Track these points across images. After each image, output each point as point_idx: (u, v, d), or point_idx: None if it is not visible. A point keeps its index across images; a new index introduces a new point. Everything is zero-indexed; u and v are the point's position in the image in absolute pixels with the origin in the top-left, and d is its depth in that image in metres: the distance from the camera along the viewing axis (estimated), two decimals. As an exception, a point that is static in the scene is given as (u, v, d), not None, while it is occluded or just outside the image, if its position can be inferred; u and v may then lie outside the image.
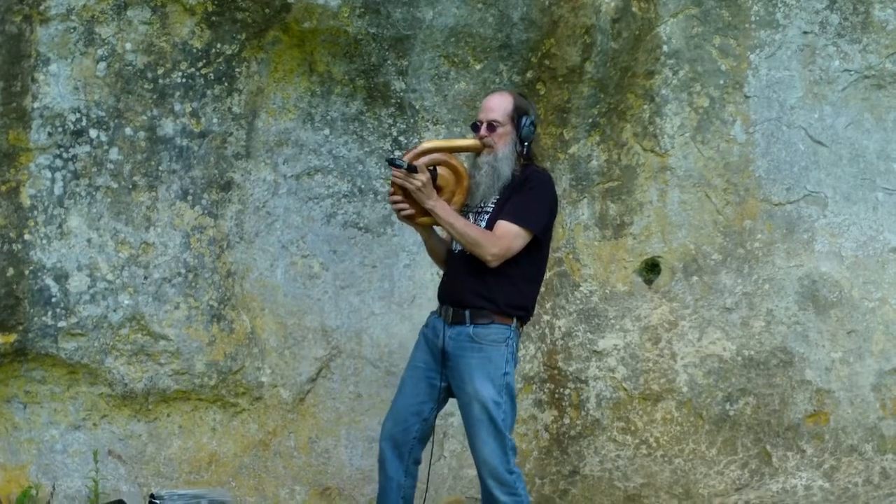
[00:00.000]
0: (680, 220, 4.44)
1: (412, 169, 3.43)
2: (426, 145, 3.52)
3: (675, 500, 4.38)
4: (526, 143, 3.55)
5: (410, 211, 3.52)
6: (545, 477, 4.42)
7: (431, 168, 3.48)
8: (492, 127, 3.55)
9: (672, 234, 4.43)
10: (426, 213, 3.51)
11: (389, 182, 3.53)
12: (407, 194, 3.49)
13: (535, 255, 3.56)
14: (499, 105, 3.56)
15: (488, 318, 3.51)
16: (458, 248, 3.58)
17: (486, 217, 3.54)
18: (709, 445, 4.41)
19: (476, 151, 3.57)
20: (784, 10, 4.40)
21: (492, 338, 3.51)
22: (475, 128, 3.59)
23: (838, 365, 4.41)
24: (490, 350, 3.50)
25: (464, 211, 3.58)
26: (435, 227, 3.62)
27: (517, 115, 3.55)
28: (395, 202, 3.52)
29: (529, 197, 3.50)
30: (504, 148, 3.54)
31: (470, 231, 3.49)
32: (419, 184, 3.44)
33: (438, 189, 3.50)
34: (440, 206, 3.48)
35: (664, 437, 4.41)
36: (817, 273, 4.41)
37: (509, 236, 3.47)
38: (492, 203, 3.54)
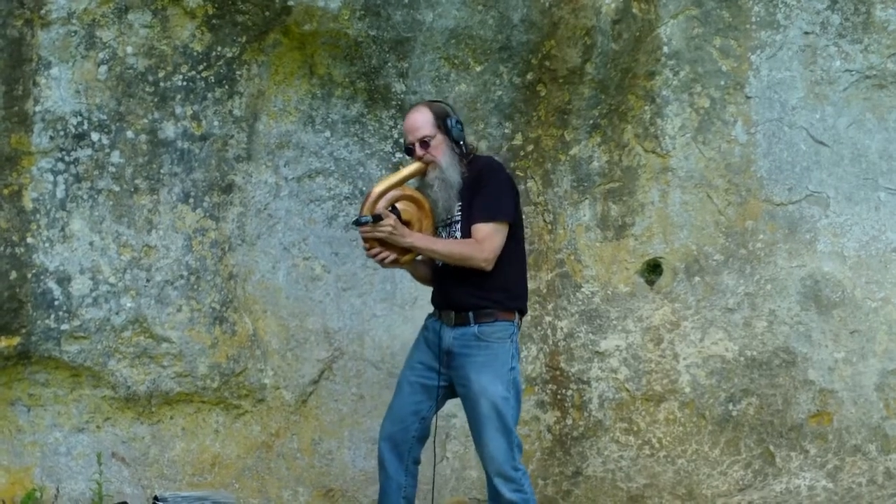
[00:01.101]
0: (681, 220, 4.43)
1: (377, 218, 3.47)
2: (377, 189, 3.54)
3: (679, 500, 4.38)
4: (461, 143, 3.60)
5: (393, 255, 3.56)
6: (548, 478, 4.42)
7: (392, 208, 3.52)
8: (425, 143, 3.59)
9: (674, 235, 4.43)
10: (406, 251, 3.56)
11: (363, 241, 3.55)
12: (383, 242, 3.53)
13: (514, 240, 3.60)
14: (420, 120, 3.60)
15: (492, 317, 3.55)
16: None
17: (458, 226, 3.59)
18: (712, 446, 4.41)
19: (422, 173, 3.61)
20: (785, 10, 4.39)
21: (497, 335, 3.54)
22: (410, 152, 3.63)
23: (841, 365, 4.40)
24: (496, 347, 3.54)
25: (435, 230, 3.62)
26: (417, 258, 3.65)
27: (441, 121, 3.60)
28: (375, 255, 3.56)
29: (489, 191, 3.53)
30: (444, 157, 3.58)
31: (455, 248, 3.53)
32: (389, 229, 3.48)
33: (407, 223, 3.55)
34: (417, 238, 3.54)
35: (667, 437, 4.41)
36: (820, 273, 4.41)
37: (490, 236, 3.51)
38: (457, 211, 3.59)
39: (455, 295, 3.58)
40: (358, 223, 3.49)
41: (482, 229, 3.51)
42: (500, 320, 3.55)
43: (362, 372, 4.35)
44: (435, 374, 3.60)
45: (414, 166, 3.62)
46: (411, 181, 3.63)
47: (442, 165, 3.57)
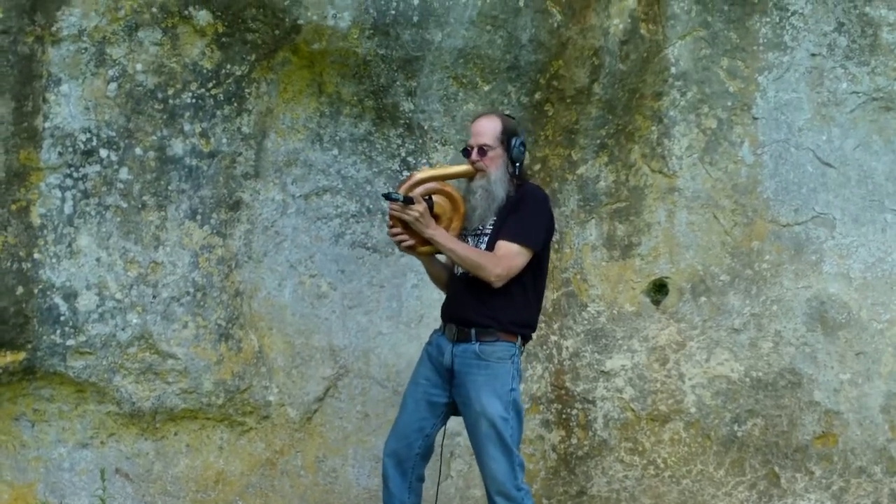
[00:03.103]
0: (688, 240, 4.44)
1: (408, 200, 3.48)
2: (419, 175, 3.55)
3: (683, 521, 4.38)
4: (517, 164, 3.59)
5: (411, 242, 3.56)
6: (552, 497, 4.41)
7: (427, 197, 3.53)
8: (483, 151, 3.58)
9: (680, 255, 4.44)
10: (426, 242, 3.56)
11: (388, 216, 3.56)
12: (406, 225, 3.53)
13: (535, 272, 3.60)
14: (488, 128, 3.60)
15: (493, 336, 3.54)
16: (460, 270, 3.61)
17: (486, 239, 3.58)
18: (717, 466, 4.40)
19: (469, 177, 3.61)
20: (792, 32, 4.41)
21: (497, 355, 3.53)
22: (466, 153, 3.63)
23: (847, 386, 4.39)
24: (496, 367, 3.53)
25: (462, 235, 3.61)
26: (436, 254, 3.64)
27: (506, 137, 3.59)
28: (395, 234, 3.57)
29: (526, 215, 3.53)
30: (496, 171, 3.57)
31: (471, 255, 3.52)
32: (416, 214, 3.48)
33: (436, 217, 3.55)
34: (440, 234, 3.53)
35: (672, 457, 4.40)
36: (826, 294, 4.41)
37: (510, 255, 3.50)
38: (490, 225, 3.58)
39: (462, 309, 3.58)
40: (388, 197, 3.48)
41: (505, 247, 3.51)
42: (502, 340, 3.55)
43: (367, 390, 4.35)
44: (439, 391, 3.60)
45: (463, 167, 3.62)
46: (456, 182, 3.62)
47: (491, 177, 3.56)
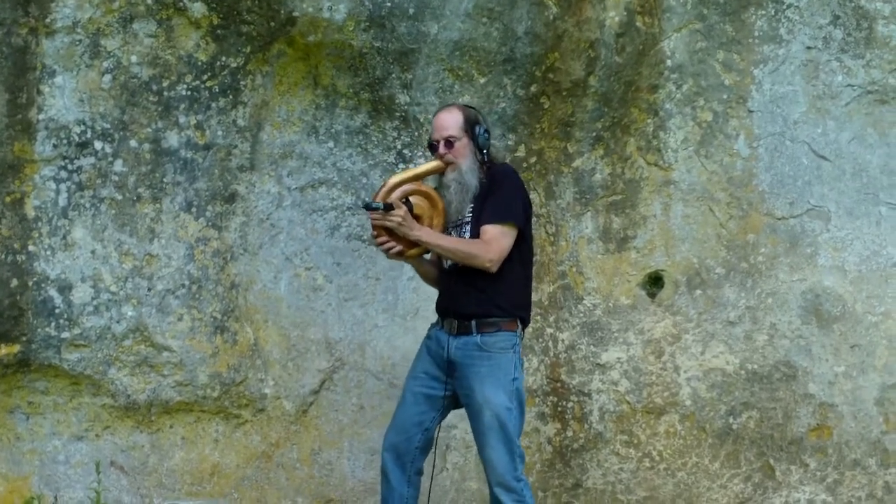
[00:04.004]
0: (683, 233, 4.44)
1: (388, 207, 3.49)
2: (393, 180, 3.57)
3: (678, 513, 4.39)
4: (485, 151, 3.61)
5: (399, 247, 3.58)
6: (548, 490, 4.42)
7: (405, 200, 3.55)
8: (450, 143, 3.61)
9: (675, 248, 4.44)
10: (412, 244, 3.58)
11: (371, 227, 3.58)
12: (390, 232, 3.55)
13: (522, 248, 3.62)
14: (451, 121, 3.62)
15: (495, 326, 3.56)
16: (450, 263, 3.62)
17: (468, 227, 3.60)
18: (712, 459, 4.41)
19: (440, 172, 3.63)
20: (787, 25, 4.41)
21: (500, 345, 3.55)
22: (433, 148, 3.66)
23: (841, 379, 4.40)
24: (499, 357, 3.54)
25: (444, 229, 3.62)
26: (424, 254, 3.66)
27: (470, 126, 3.62)
28: (382, 243, 3.57)
29: (501, 194, 3.56)
30: (466, 161, 3.60)
31: (461, 246, 3.55)
32: (399, 219, 3.50)
33: (417, 218, 3.58)
34: (425, 233, 3.55)
35: (667, 450, 4.41)
36: (820, 287, 4.41)
37: (498, 237, 3.53)
38: (468, 213, 3.60)
39: (459, 303, 3.58)
40: (368, 207, 3.51)
41: (490, 230, 3.53)
42: (503, 330, 3.56)
43: (363, 382, 4.35)
44: (438, 385, 3.61)
45: (433, 164, 3.64)
46: (429, 179, 3.65)
47: (462, 168, 3.59)
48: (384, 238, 3.57)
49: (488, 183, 3.59)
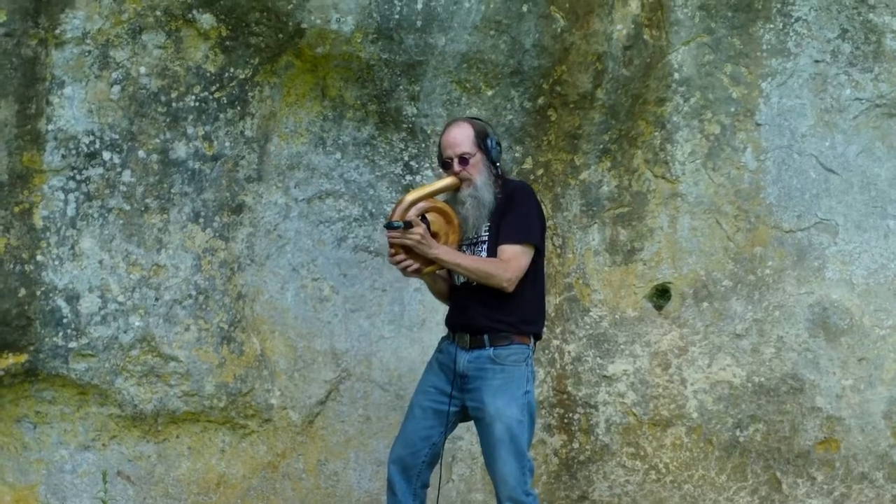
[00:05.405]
0: (690, 246, 4.44)
1: (407, 225, 3.47)
2: (409, 198, 3.54)
3: (684, 526, 4.38)
4: (498, 164, 3.60)
5: (416, 265, 3.55)
6: (554, 502, 4.41)
7: (421, 217, 3.53)
8: (464, 160, 3.58)
9: (682, 260, 4.44)
10: (429, 262, 3.55)
11: (389, 245, 3.55)
12: (407, 250, 3.53)
13: (536, 266, 3.61)
14: (463, 137, 3.59)
15: (507, 339, 3.54)
16: (461, 279, 3.61)
17: (485, 246, 3.58)
18: (718, 472, 4.40)
19: (455, 188, 3.61)
20: (796, 38, 4.41)
21: (512, 358, 3.53)
22: (446, 166, 3.63)
23: (849, 392, 4.39)
24: (511, 370, 3.53)
25: (459, 246, 3.61)
26: (438, 270, 3.65)
27: (481, 140, 3.59)
28: (399, 262, 3.55)
29: (519, 213, 3.54)
30: (480, 176, 3.58)
31: (479, 265, 3.52)
32: (418, 237, 3.48)
33: (434, 235, 3.55)
34: (443, 251, 3.53)
35: (674, 462, 4.40)
36: (828, 300, 4.41)
37: (516, 257, 3.51)
38: (484, 230, 3.59)
39: (470, 317, 3.57)
40: (389, 227, 3.48)
41: (509, 250, 3.52)
42: (516, 343, 3.55)
43: (369, 393, 4.35)
44: (447, 399, 3.59)
45: (448, 180, 3.61)
46: (441, 195, 3.63)
47: (477, 184, 3.57)
48: (401, 256, 3.54)
49: (504, 199, 3.57)
